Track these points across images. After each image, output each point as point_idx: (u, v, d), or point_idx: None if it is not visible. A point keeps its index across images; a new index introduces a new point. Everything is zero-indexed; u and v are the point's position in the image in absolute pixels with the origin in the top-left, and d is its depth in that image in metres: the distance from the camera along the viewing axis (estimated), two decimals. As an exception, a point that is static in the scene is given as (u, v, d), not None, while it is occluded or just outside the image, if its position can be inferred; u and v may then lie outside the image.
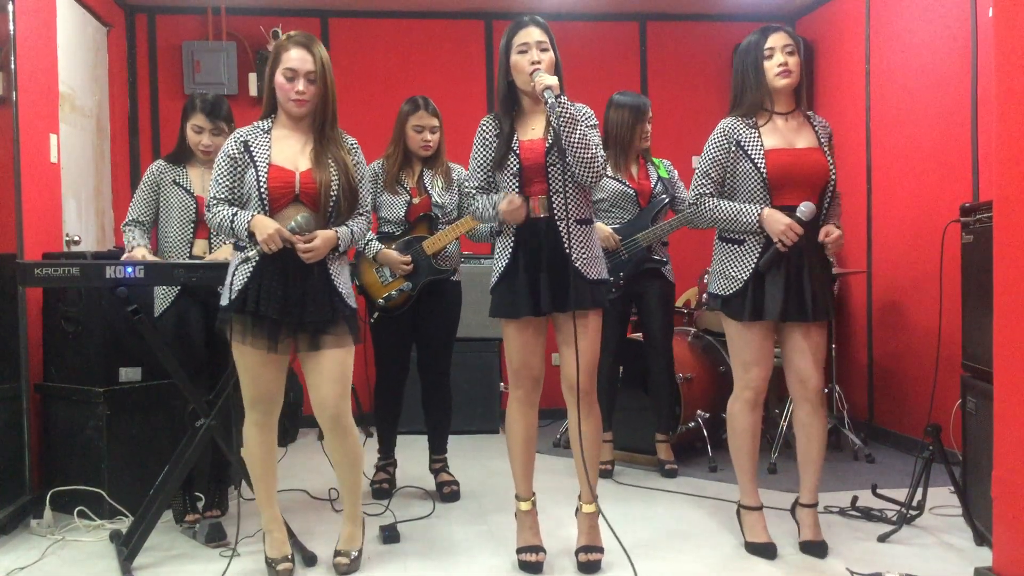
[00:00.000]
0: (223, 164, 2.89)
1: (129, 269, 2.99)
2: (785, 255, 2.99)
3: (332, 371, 2.88)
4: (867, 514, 3.50)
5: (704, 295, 4.92)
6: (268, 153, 2.87)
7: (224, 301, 2.86)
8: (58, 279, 2.97)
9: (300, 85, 2.84)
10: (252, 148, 2.88)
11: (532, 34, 2.91)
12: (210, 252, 3.39)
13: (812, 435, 3.13)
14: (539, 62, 2.88)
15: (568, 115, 2.83)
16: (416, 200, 3.88)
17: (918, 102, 4.61)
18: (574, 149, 2.85)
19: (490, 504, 3.83)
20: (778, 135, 3.06)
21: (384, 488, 3.95)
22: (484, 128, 3.04)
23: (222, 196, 2.88)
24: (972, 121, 4.18)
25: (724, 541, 3.30)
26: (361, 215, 3.00)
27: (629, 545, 2.90)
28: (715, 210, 3.08)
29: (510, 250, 2.97)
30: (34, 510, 3.57)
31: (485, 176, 3.04)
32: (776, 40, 3.03)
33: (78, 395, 3.65)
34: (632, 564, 2.84)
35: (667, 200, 4.25)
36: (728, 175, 3.10)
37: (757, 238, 3.04)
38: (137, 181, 3.47)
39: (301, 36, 2.89)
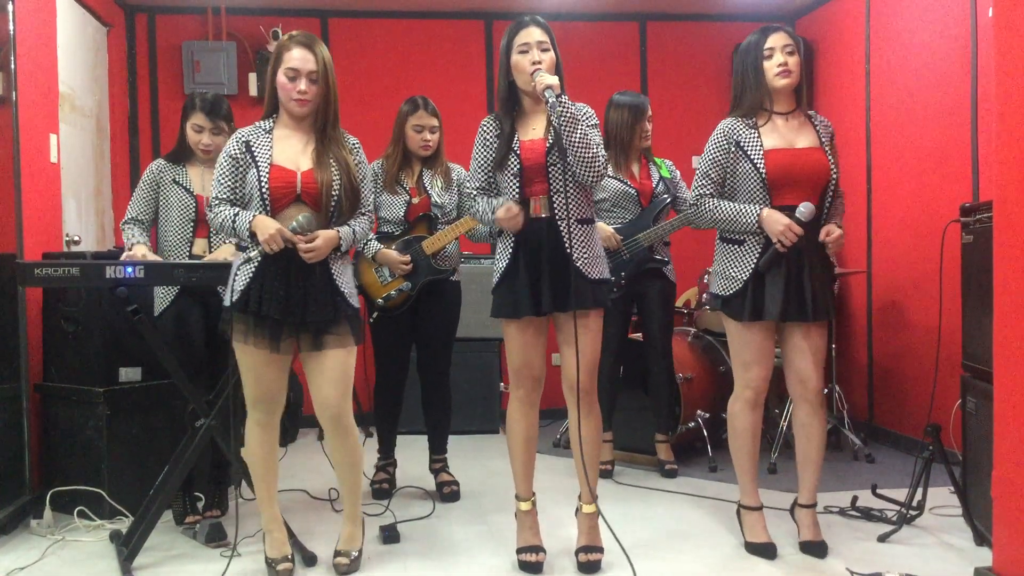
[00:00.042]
0: (225, 164, 2.89)
1: (129, 269, 2.98)
2: (785, 255, 2.99)
3: (334, 371, 2.88)
4: (867, 514, 3.50)
5: (704, 295, 4.92)
6: (270, 153, 2.87)
7: (227, 301, 2.86)
8: (58, 279, 2.97)
9: (302, 85, 2.84)
10: (254, 148, 2.88)
11: (533, 34, 2.91)
12: (210, 251, 3.39)
13: (812, 435, 3.13)
14: (540, 62, 2.88)
15: (569, 114, 2.83)
16: (415, 200, 3.88)
17: (918, 102, 4.61)
18: (575, 149, 2.85)
19: (490, 504, 3.83)
20: (778, 135, 3.06)
21: (384, 488, 3.95)
22: (485, 129, 3.04)
23: (224, 196, 2.88)
24: (972, 121, 4.18)
25: (724, 541, 3.30)
26: (363, 215, 3.00)
27: (629, 545, 2.90)
28: (715, 211, 3.08)
29: (511, 250, 2.97)
30: (34, 510, 3.57)
31: (486, 177, 3.04)
32: (776, 40, 3.03)
33: (78, 395, 3.65)
34: (631, 564, 2.84)
35: (669, 200, 4.25)
36: (728, 176, 3.10)
37: (757, 238, 3.04)
38: (137, 181, 3.47)
39: (303, 36, 2.89)
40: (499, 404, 5.30)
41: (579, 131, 2.84)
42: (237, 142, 2.90)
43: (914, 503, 3.35)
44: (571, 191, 2.93)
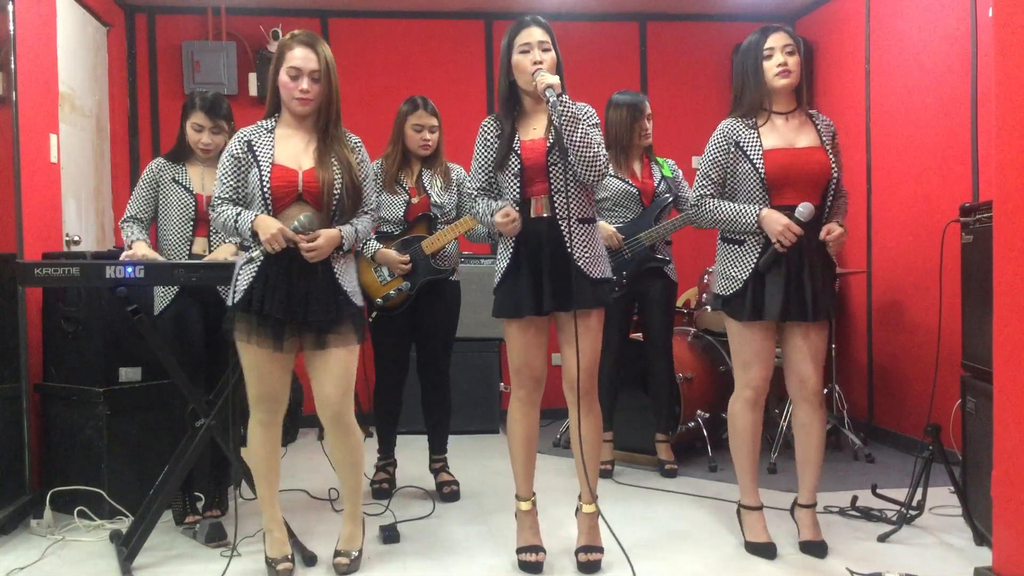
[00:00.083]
0: (227, 164, 2.89)
1: (129, 269, 2.98)
2: (785, 255, 2.99)
3: (336, 370, 2.89)
4: (867, 514, 3.50)
5: (704, 295, 4.92)
6: (271, 152, 2.87)
7: (230, 301, 2.86)
8: (58, 279, 2.97)
9: (304, 84, 2.84)
10: (256, 147, 2.88)
11: (534, 34, 2.91)
12: (210, 250, 3.39)
13: (811, 435, 3.13)
14: (541, 62, 2.89)
15: (570, 114, 2.83)
16: (415, 200, 3.88)
17: (918, 102, 4.61)
18: (576, 148, 2.85)
19: (490, 504, 3.83)
20: (778, 135, 3.06)
21: (384, 488, 3.95)
22: (485, 129, 3.04)
23: (226, 196, 2.89)
24: (972, 121, 4.18)
25: (724, 541, 3.30)
26: (366, 213, 3.00)
27: (629, 545, 2.90)
28: (715, 211, 3.09)
29: (512, 250, 2.97)
30: (34, 510, 3.57)
31: (486, 177, 3.04)
32: (776, 40, 3.03)
33: (78, 395, 3.65)
34: (631, 564, 2.84)
35: (670, 199, 4.24)
36: (729, 176, 3.10)
37: (757, 238, 3.04)
38: (137, 181, 3.47)
39: (305, 35, 2.89)
40: (499, 404, 5.30)
41: (580, 130, 2.84)
42: (239, 141, 2.90)
43: (914, 503, 3.35)
44: (572, 190, 2.93)
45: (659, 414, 4.34)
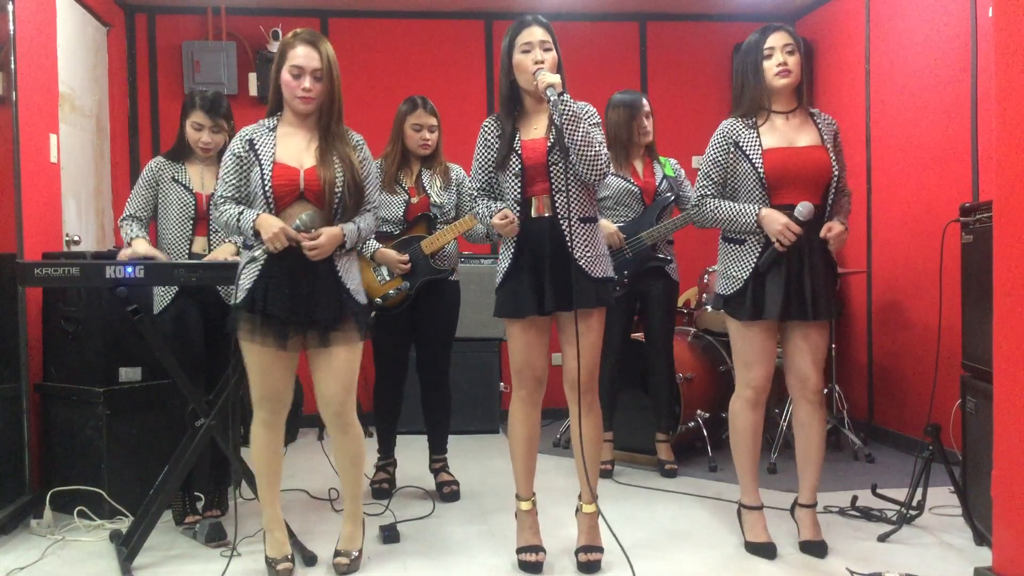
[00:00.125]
0: (229, 163, 2.90)
1: (129, 269, 2.98)
2: (785, 254, 2.99)
3: (339, 368, 2.89)
4: (867, 514, 3.50)
5: (704, 295, 4.92)
6: (273, 151, 2.88)
7: (234, 300, 2.87)
8: (58, 279, 2.97)
9: (306, 82, 2.84)
10: (257, 146, 2.88)
11: (535, 34, 2.91)
12: (209, 250, 3.39)
13: (811, 435, 3.13)
14: (542, 62, 2.89)
15: (571, 112, 2.83)
16: (414, 200, 3.88)
17: (918, 102, 4.61)
18: (577, 147, 2.85)
19: (490, 504, 3.83)
20: (777, 134, 3.06)
21: (384, 488, 3.95)
22: (486, 130, 3.04)
23: (229, 195, 2.89)
24: (972, 121, 4.18)
25: (724, 541, 3.30)
26: (368, 211, 3.00)
27: (629, 545, 2.90)
28: (716, 211, 3.09)
29: (514, 250, 2.97)
30: (34, 510, 3.57)
31: (486, 177, 3.04)
32: (776, 40, 3.03)
33: (78, 395, 3.65)
34: (631, 564, 2.84)
35: (672, 198, 4.24)
36: (729, 176, 3.11)
37: (757, 238, 3.04)
38: (137, 181, 3.47)
39: (307, 33, 2.89)
40: (499, 404, 5.30)
41: (581, 129, 2.84)
42: (241, 140, 2.91)
43: (914, 503, 3.35)
44: (573, 190, 2.93)
45: (659, 414, 4.34)
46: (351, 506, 3.05)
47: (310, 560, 3.09)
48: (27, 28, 3.85)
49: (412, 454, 4.33)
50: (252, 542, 3.23)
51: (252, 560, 3.09)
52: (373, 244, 3.81)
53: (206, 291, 3.30)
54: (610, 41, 5.91)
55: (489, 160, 3.02)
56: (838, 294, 4.85)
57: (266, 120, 2.96)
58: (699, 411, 4.50)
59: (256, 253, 2.81)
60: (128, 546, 3.09)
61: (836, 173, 3.04)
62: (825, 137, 3.08)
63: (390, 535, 3.34)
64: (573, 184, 2.92)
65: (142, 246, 3.28)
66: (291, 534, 3.11)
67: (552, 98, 2.80)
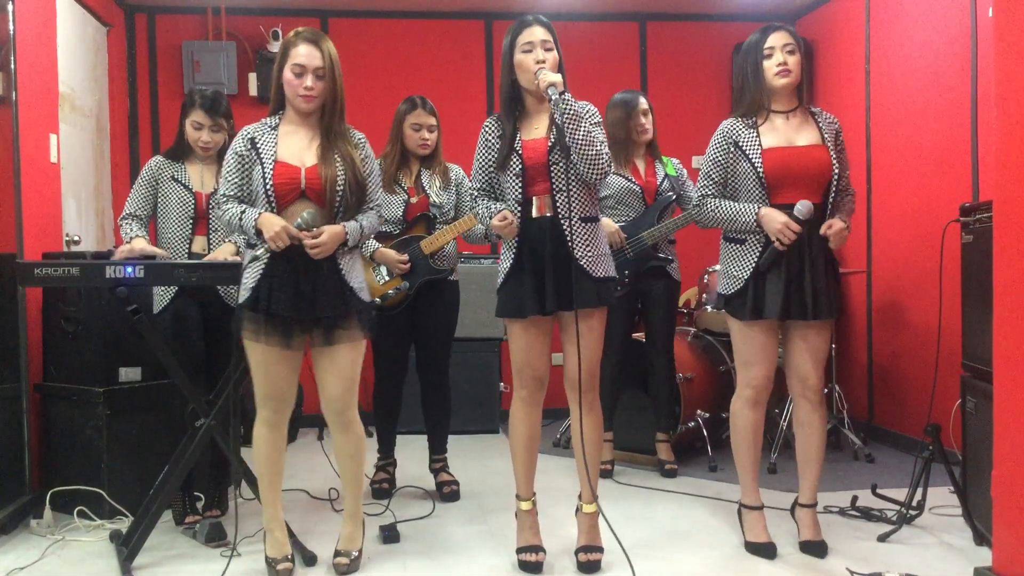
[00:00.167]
0: (231, 162, 2.90)
1: (129, 269, 2.98)
2: (785, 253, 2.99)
3: (341, 366, 2.90)
4: (867, 514, 3.50)
5: (704, 295, 4.92)
6: (274, 149, 2.88)
7: (239, 300, 2.87)
8: (58, 279, 2.97)
9: (308, 81, 2.85)
10: (259, 145, 2.88)
11: (536, 33, 2.91)
12: (209, 249, 3.39)
13: (811, 435, 3.14)
14: (544, 61, 2.89)
15: (572, 111, 2.83)
16: (414, 200, 3.88)
17: (918, 102, 4.61)
18: (578, 146, 2.84)
19: (490, 504, 3.83)
20: (777, 134, 3.06)
21: (384, 488, 3.95)
22: (487, 130, 3.04)
23: (231, 193, 2.89)
24: (972, 121, 4.18)
25: (724, 541, 3.30)
26: (371, 209, 3.00)
27: (629, 545, 2.90)
28: (716, 210, 3.09)
29: (515, 249, 2.97)
30: (34, 510, 3.57)
31: (487, 178, 3.04)
32: (776, 39, 3.03)
33: (78, 395, 3.65)
34: (631, 564, 2.84)
35: (673, 197, 4.24)
36: (729, 175, 3.11)
37: (758, 237, 3.04)
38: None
39: (309, 32, 2.89)
40: (499, 404, 5.30)
41: (582, 128, 2.84)
42: (243, 139, 2.91)
43: (914, 503, 3.35)
44: (574, 189, 2.93)
45: (659, 414, 4.34)
46: (351, 504, 3.05)
47: (310, 560, 3.09)
48: (27, 28, 3.85)
49: (412, 454, 4.33)
50: (252, 542, 3.23)
51: (252, 560, 3.09)
52: (372, 244, 3.81)
53: (206, 291, 3.30)
54: (610, 41, 5.91)
55: (489, 160, 3.02)
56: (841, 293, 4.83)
57: (268, 119, 2.96)
58: (699, 411, 4.50)
59: (259, 252, 2.81)
60: (128, 546, 3.09)
61: (836, 172, 3.03)
62: (826, 136, 3.08)
63: (390, 535, 3.34)
64: (574, 184, 2.92)
65: (140, 244, 3.28)
66: (291, 534, 3.11)
67: (553, 97, 2.80)
